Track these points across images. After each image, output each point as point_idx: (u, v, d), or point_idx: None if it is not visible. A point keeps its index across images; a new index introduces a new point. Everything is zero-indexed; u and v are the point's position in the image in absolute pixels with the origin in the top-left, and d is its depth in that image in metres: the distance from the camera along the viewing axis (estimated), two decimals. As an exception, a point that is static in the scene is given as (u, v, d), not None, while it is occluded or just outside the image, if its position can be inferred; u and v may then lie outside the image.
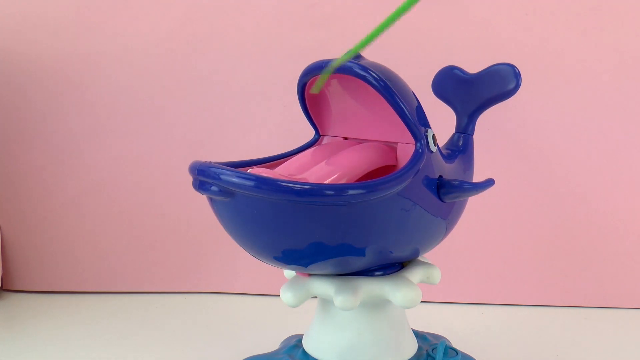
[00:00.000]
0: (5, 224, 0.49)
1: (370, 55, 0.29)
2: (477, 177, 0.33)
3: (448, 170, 0.29)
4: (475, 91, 0.32)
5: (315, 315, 0.31)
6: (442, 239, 0.30)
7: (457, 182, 0.28)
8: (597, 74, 0.44)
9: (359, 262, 0.27)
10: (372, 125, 0.29)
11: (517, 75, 0.31)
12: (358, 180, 0.27)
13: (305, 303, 0.29)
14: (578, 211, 0.46)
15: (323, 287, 0.28)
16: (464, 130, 0.33)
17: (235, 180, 0.23)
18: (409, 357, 0.30)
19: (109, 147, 0.48)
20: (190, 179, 0.25)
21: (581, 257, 0.46)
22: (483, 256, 0.47)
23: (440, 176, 0.28)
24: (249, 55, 0.46)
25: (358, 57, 0.28)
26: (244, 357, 0.33)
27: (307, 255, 0.25)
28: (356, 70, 0.26)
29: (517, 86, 0.31)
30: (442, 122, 0.33)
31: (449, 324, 0.43)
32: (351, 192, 0.24)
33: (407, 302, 0.27)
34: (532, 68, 0.44)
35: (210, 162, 0.24)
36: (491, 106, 0.32)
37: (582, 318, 0.44)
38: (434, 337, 0.34)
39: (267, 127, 0.47)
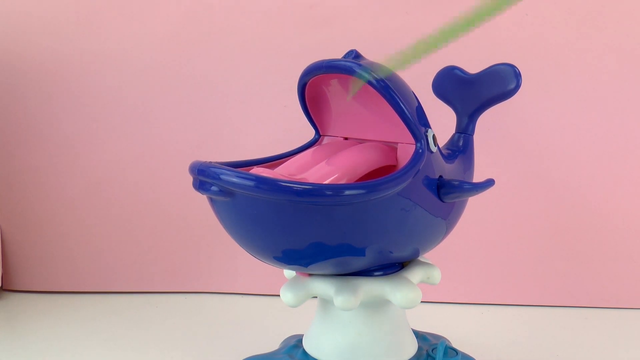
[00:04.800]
0: (5, 224, 0.49)
1: (371, 55, 0.29)
2: (477, 177, 0.33)
3: (448, 170, 0.29)
4: (475, 91, 0.32)
5: (315, 315, 0.31)
6: (442, 239, 0.30)
7: (457, 182, 0.28)
8: (597, 74, 0.44)
9: (359, 262, 0.27)
10: (372, 125, 0.29)
11: (517, 75, 0.31)
12: (358, 180, 0.27)
13: (305, 303, 0.29)
14: (578, 211, 0.46)
15: (323, 287, 0.28)
16: (464, 130, 0.33)
17: (235, 180, 0.23)
18: (409, 357, 0.30)
19: (109, 147, 0.48)
20: (190, 179, 0.25)
21: (581, 257, 0.46)
22: (483, 256, 0.47)
23: (441, 176, 0.28)
24: (249, 55, 0.46)
25: (358, 57, 0.28)
26: (244, 357, 0.33)
27: (307, 255, 0.25)
28: (356, 70, 0.26)
29: (517, 86, 0.31)
30: (442, 122, 0.33)
31: (449, 324, 0.43)
32: (351, 192, 0.24)
33: (407, 302, 0.27)
34: (532, 68, 0.44)
35: (210, 162, 0.24)
36: (491, 106, 0.32)
37: (582, 318, 0.44)
38: (434, 337, 0.34)
39: (267, 127, 0.47)
